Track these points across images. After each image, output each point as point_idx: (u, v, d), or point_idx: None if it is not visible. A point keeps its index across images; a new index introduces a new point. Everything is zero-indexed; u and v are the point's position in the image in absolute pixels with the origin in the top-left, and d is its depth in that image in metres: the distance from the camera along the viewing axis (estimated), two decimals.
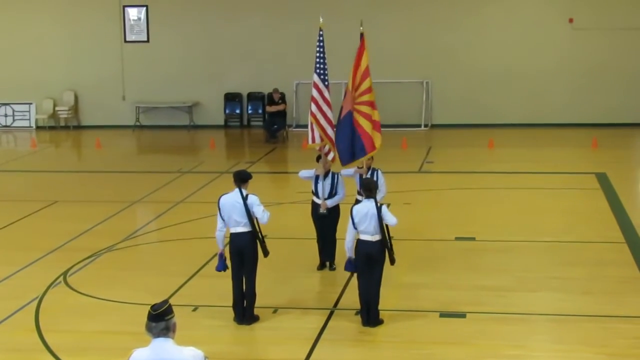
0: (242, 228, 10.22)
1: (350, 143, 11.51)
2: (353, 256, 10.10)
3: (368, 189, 10.14)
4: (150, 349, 5.79)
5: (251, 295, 10.34)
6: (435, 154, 21.57)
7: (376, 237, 9.94)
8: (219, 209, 10.28)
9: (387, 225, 9.99)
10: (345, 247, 10.15)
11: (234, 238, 10.28)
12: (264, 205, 10.31)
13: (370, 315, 10.09)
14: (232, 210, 10.19)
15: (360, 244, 10.03)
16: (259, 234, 10.37)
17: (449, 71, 25.40)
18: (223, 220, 10.28)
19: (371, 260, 9.99)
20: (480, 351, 9.42)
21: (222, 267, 10.38)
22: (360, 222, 9.92)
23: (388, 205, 13.13)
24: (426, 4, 25.38)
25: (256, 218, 10.24)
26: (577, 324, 10.12)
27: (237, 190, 10.25)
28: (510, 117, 25.23)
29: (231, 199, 10.22)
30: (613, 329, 9.90)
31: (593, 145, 21.83)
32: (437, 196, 16.71)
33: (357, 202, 11.90)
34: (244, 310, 10.33)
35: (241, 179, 10.30)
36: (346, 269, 10.34)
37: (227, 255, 10.36)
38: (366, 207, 9.96)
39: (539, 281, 11.62)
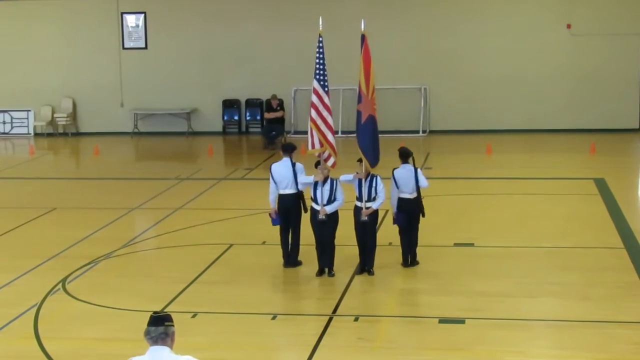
0: (290, 190, 12.30)
1: (376, 145, 12.11)
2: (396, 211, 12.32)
3: (405, 155, 12.35)
4: (147, 358, 5.77)
5: (296, 244, 12.49)
6: (434, 160, 21.57)
7: (414, 195, 12.34)
8: (272, 175, 12.37)
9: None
10: (392, 204, 12.33)
11: (283, 198, 12.34)
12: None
13: (411, 257, 12.48)
14: (284, 174, 12.27)
15: (401, 202, 12.29)
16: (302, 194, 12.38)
17: (447, 77, 25.44)
18: (275, 183, 12.32)
19: (410, 213, 12.32)
20: (479, 357, 9.41)
21: (278, 221, 12.39)
22: (402, 183, 12.21)
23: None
24: (424, 10, 25.42)
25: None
26: (577, 329, 10.11)
27: (285, 159, 12.35)
28: (509, 122, 25.25)
29: (283, 166, 12.34)
30: (612, 335, 9.89)
31: (591, 150, 21.86)
32: (435, 202, 16.69)
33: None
34: (289, 256, 12.48)
35: (292, 149, 12.48)
36: (396, 222, 12.35)
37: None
38: (406, 170, 12.28)
39: (538, 287, 11.61)
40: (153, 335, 5.77)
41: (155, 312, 5.85)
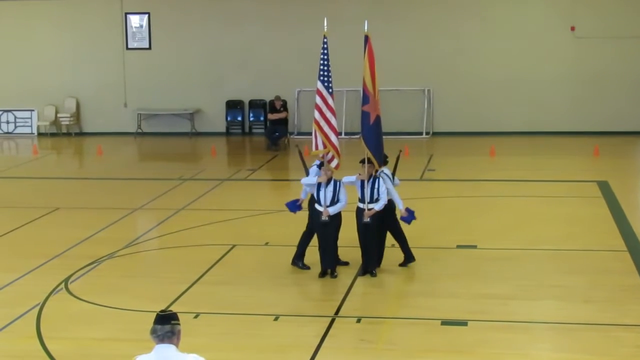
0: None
1: (382, 145, 12.12)
2: None
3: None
4: (153, 356, 5.78)
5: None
6: (437, 161, 21.56)
7: None
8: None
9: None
10: (399, 200, 12.26)
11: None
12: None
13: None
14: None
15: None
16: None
17: (450, 79, 25.42)
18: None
19: None
20: None
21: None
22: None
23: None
24: (428, 12, 25.41)
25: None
26: (579, 332, 10.11)
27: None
28: (512, 125, 25.23)
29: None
30: (615, 338, 9.88)
31: (595, 153, 21.83)
32: (438, 204, 16.70)
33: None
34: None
35: None
36: (409, 218, 12.28)
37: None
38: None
39: (541, 289, 11.60)
40: (159, 334, 5.79)
41: (161, 311, 5.86)
